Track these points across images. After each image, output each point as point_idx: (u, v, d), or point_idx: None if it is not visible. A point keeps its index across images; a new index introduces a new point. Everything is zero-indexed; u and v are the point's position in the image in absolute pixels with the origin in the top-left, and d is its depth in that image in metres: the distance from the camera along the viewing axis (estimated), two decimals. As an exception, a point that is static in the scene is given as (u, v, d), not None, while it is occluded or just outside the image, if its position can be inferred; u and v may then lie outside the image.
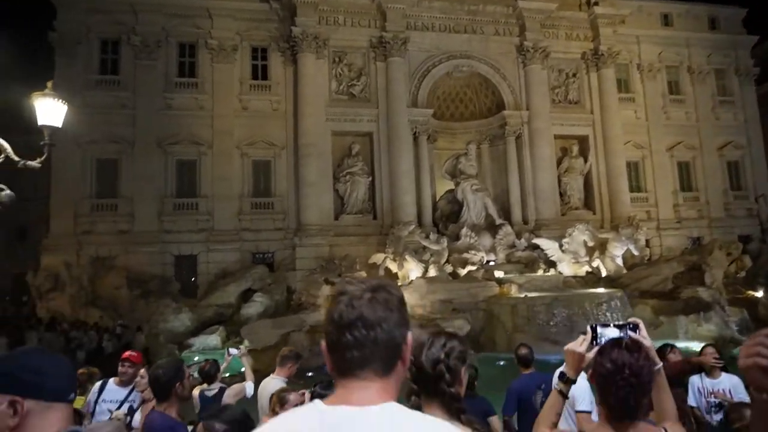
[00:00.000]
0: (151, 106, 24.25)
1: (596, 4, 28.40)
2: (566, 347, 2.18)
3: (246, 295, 21.57)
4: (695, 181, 30.68)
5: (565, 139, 28.67)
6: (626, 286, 20.91)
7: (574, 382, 2.17)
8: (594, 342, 2.09)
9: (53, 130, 8.75)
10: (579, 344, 2.13)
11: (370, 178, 25.65)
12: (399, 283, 20.59)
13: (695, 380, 5.14)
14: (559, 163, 28.33)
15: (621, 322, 2.12)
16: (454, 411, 1.86)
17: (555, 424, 2.17)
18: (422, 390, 1.90)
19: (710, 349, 5.29)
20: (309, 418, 1.26)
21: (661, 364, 2.14)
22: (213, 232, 24.08)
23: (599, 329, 2.10)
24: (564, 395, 2.18)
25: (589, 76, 28.95)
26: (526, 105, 27.45)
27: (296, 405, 3.57)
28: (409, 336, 1.37)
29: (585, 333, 2.16)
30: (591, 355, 2.09)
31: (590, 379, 2.09)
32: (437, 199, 27.11)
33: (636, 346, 2.02)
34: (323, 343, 1.34)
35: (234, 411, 2.49)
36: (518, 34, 27.70)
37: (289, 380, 5.27)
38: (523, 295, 18.89)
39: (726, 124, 31.41)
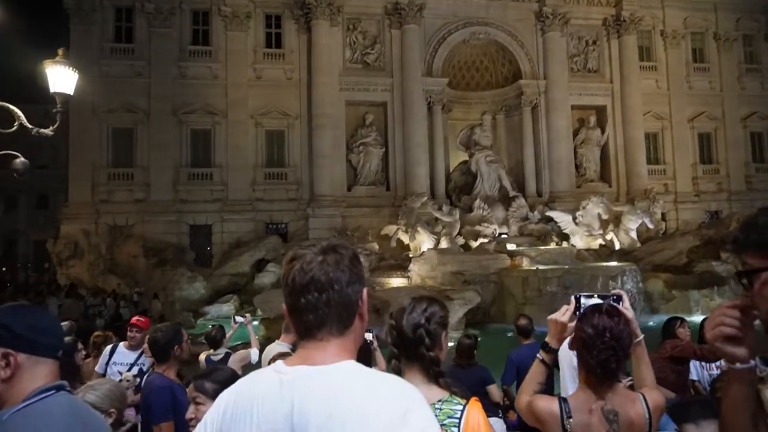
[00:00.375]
0: (166, 74, 24.24)
1: (620, -34, 27.40)
2: (549, 317, 2.18)
3: (260, 265, 21.88)
4: (716, 153, 29.95)
5: (582, 110, 28.09)
6: (640, 259, 20.73)
7: (556, 351, 2.18)
8: (577, 312, 2.09)
9: (66, 97, 8.85)
10: (562, 314, 2.13)
11: (384, 149, 25.52)
12: (410, 255, 20.70)
13: (695, 362, 5.09)
14: (575, 134, 27.84)
15: (605, 293, 2.11)
16: (433, 375, 1.89)
17: (536, 393, 2.18)
18: (402, 354, 1.93)
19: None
20: (269, 378, 1.32)
21: (641, 336, 2.13)
22: (227, 202, 24.31)
23: (582, 300, 2.10)
24: (546, 365, 2.18)
25: (610, 44, 28.14)
26: (544, 74, 26.87)
27: None
28: (364, 292, 1.40)
29: (569, 303, 2.16)
30: (574, 324, 2.09)
31: (570, 346, 2.09)
32: (451, 171, 26.95)
33: (615, 311, 2.02)
34: (284, 306, 1.37)
35: (224, 372, 2.56)
36: (537, 0, 26.93)
37: (293, 346, 5.38)
38: (534, 268, 18.85)
39: (752, 93, 30.40)
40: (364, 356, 5.04)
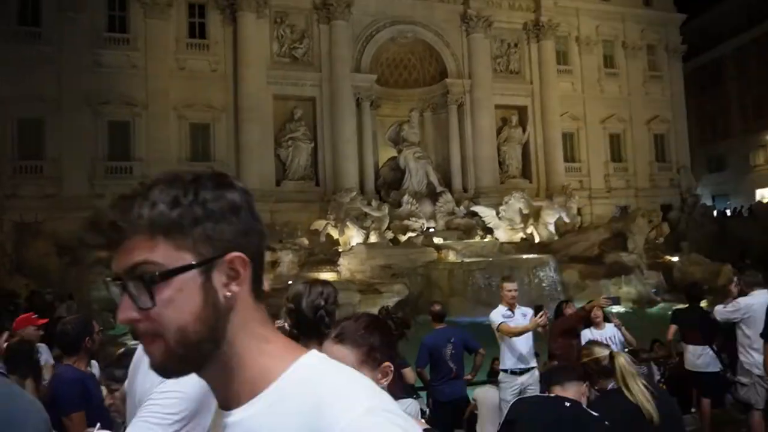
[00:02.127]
0: (79, 62, 22.77)
1: (538, -26, 28.83)
2: None
3: (184, 261, 21.13)
4: (625, 152, 32.27)
5: (505, 109, 29.35)
6: (557, 251, 22.02)
7: None
8: None
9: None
10: None
11: (313, 144, 25.44)
12: (340, 249, 20.82)
13: (586, 333, 5.70)
14: (499, 132, 29.04)
15: None
16: None
17: None
18: (302, 333, 2.07)
19: (591, 303, 5.95)
20: None
21: None
22: (149, 197, 23.26)
23: None
24: None
25: (530, 47, 29.56)
26: (469, 74, 27.79)
27: None
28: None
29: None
30: None
31: None
32: (380, 166, 27.31)
33: None
34: None
35: (131, 356, 2.59)
36: (462, 2, 27.75)
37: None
38: (460, 261, 19.56)
39: (654, 98, 33.01)
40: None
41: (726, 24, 37.71)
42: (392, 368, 1.58)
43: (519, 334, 5.32)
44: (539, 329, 5.41)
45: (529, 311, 5.62)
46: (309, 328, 2.06)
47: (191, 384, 1.40)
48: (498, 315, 5.54)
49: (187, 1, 24.57)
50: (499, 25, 28.78)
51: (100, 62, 23.18)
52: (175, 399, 1.42)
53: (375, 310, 15.71)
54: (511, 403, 2.83)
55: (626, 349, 6.21)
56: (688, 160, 33.65)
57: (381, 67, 27.58)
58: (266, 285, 1.61)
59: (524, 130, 29.38)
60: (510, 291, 5.59)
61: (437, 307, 5.73)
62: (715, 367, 6.12)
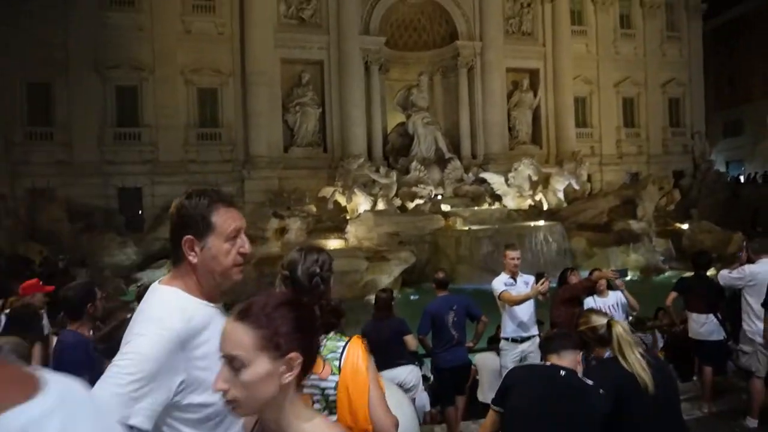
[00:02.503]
0: (85, 24, 22.53)
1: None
2: None
3: (194, 228, 21.32)
4: (638, 117, 31.61)
5: (516, 72, 28.72)
6: (565, 219, 21.89)
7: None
8: None
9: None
10: None
11: (321, 109, 25.20)
12: (348, 217, 20.87)
13: (589, 301, 5.70)
14: (509, 96, 28.51)
15: None
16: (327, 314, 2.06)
17: None
18: None
19: (597, 273, 5.91)
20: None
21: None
22: (158, 163, 23.37)
23: None
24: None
25: (544, 7, 28.68)
26: (480, 35, 27.12)
27: None
28: (185, 239, 1.70)
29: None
30: None
31: None
32: (388, 132, 27.04)
33: None
34: None
35: (120, 330, 2.64)
36: (474, -39, 26.88)
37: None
38: (467, 228, 19.54)
39: (671, 60, 32.07)
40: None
41: (749, -18, 36.18)
42: (301, 361, 1.25)
43: (520, 302, 5.37)
44: (540, 297, 5.43)
45: (531, 278, 5.64)
46: (304, 295, 2.07)
47: (148, 344, 1.53)
48: (500, 283, 5.58)
49: (191, -38, 24.01)
50: (512, -17, 27.90)
51: (106, 24, 22.90)
52: (130, 360, 1.51)
53: (382, 278, 15.73)
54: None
55: (630, 317, 6.23)
56: (703, 125, 32.91)
57: (390, 28, 26.97)
58: (246, 248, 1.70)
59: (535, 95, 28.81)
60: (513, 259, 5.60)
61: (441, 275, 5.78)
62: (719, 335, 6.11)
